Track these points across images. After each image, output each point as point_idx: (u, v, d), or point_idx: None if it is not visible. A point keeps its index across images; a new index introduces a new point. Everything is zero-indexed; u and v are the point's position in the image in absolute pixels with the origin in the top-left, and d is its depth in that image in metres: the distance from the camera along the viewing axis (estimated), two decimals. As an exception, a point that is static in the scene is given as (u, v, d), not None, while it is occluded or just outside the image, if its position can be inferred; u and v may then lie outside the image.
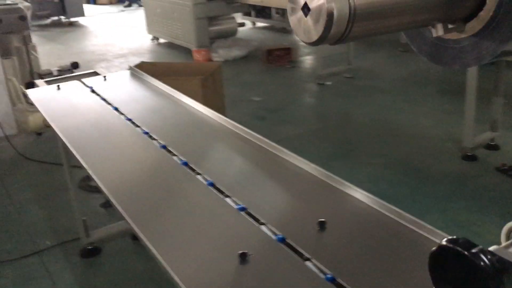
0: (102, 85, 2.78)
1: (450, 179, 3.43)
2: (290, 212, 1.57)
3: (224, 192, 1.61)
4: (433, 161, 3.73)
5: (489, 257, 0.44)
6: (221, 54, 6.79)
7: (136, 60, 5.51)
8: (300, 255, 1.28)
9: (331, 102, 5.28)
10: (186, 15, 6.94)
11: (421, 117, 4.62)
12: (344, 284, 1.17)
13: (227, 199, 1.57)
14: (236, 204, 1.54)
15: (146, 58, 7.07)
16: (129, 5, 12.01)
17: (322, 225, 1.38)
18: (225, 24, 7.28)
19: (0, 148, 4.25)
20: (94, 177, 1.77)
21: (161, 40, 8.01)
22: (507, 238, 0.55)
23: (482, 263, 0.43)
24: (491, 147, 3.79)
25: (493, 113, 3.79)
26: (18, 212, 3.36)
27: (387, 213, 1.42)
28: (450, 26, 0.69)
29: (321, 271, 1.22)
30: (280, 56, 6.55)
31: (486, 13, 0.66)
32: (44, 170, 3.91)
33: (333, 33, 0.61)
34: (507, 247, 0.52)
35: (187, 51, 7.08)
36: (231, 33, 7.38)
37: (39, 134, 4.45)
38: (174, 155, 1.90)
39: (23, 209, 3.39)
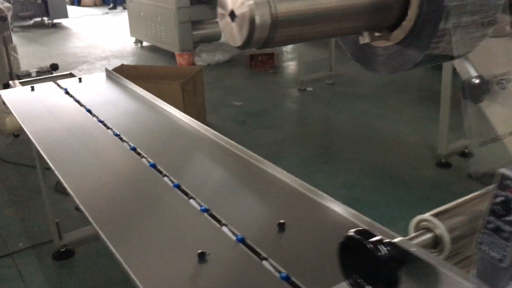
0: (77, 87, 2.78)
1: (423, 186, 3.49)
2: (252, 214, 1.59)
3: (189, 194, 1.63)
4: (408, 168, 3.78)
5: (387, 248, 0.46)
6: (204, 58, 6.81)
7: (118, 63, 5.51)
8: (258, 254, 1.31)
9: (311, 108, 5.32)
10: (170, 19, 6.95)
11: (399, 123, 4.68)
12: (298, 282, 1.19)
13: (191, 201, 1.59)
14: (200, 205, 1.56)
15: (128, 61, 7.06)
16: (114, 8, 11.98)
17: (281, 226, 1.41)
18: (209, 28, 7.29)
19: (-24, 150, 4.22)
20: (61, 179, 1.77)
21: (145, 44, 8.01)
22: (415, 231, 0.58)
23: (379, 253, 0.46)
24: (465, 154, 3.85)
25: (466, 121, 3.85)
26: (-9, 214, 3.34)
27: (348, 217, 1.45)
28: (376, 34, 0.73)
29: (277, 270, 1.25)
30: (263, 62, 6.59)
31: (407, 23, 0.70)
32: (20, 172, 3.89)
33: (256, 39, 0.64)
34: (411, 239, 0.55)
35: (171, 55, 7.09)
36: (215, 38, 7.40)
37: (17, 136, 4.42)
38: (143, 157, 1.92)
39: (-3, 211, 3.37)
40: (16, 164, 3.98)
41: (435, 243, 0.56)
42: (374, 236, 0.48)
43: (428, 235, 0.56)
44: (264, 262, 1.28)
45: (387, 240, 0.49)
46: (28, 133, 2.17)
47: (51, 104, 2.55)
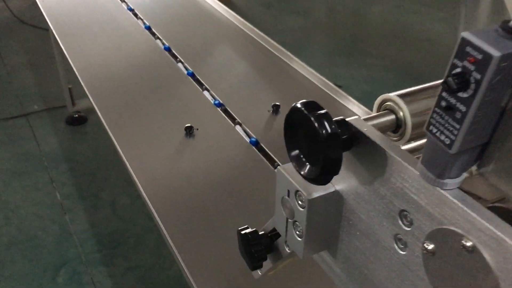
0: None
1: (447, 88, 3.35)
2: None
3: (203, 85, 1.57)
4: (435, 70, 3.61)
5: (332, 124, 0.41)
6: None
7: None
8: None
9: (344, -4, 5.02)
10: None
11: (435, 22, 4.40)
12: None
13: (205, 92, 1.53)
14: (213, 98, 1.50)
15: None
16: None
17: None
18: None
19: (-3, 9, 4.16)
20: (64, 50, 1.73)
21: None
22: (378, 111, 0.52)
23: (322, 129, 0.40)
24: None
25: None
26: (9, 75, 3.37)
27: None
28: None
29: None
30: None
31: None
32: (38, 35, 3.85)
33: None
34: (370, 119, 0.50)
35: None
36: None
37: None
38: (158, 38, 1.84)
39: (14, 72, 3.40)
40: (35, 27, 3.93)
41: (396, 127, 0.50)
42: (321, 109, 0.42)
43: (390, 117, 0.51)
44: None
45: (339, 118, 0.43)
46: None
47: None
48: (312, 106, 0.43)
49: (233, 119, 1.39)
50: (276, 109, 1.41)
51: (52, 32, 2.51)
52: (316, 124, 0.42)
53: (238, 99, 1.48)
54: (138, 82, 1.60)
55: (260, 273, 0.78)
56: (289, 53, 1.72)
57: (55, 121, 2.91)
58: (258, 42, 1.80)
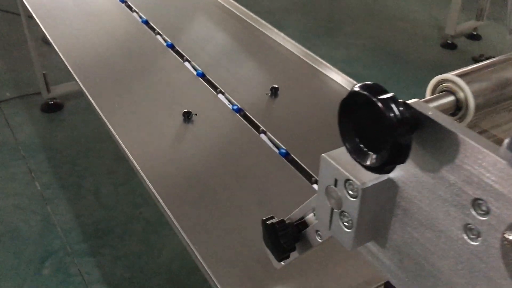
0: None
1: (425, 66, 3.37)
2: (248, 81, 1.50)
3: (184, 56, 1.52)
4: (412, 46, 3.63)
5: (400, 108, 0.38)
6: None
7: None
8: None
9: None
10: None
11: (411, 0, 4.41)
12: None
13: (186, 63, 1.49)
14: (195, 69, 1.46)
15: None
16: None
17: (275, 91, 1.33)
18: None
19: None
20: (44, 30, 1.64)
21: None
22: (432, 93, 0.50)
23: (388, 111, 0.37)
24: (473, 36, 3.68)
25: (481, 1, 3.62)
26: (-22, 61, 3.22)
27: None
28: None
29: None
30: None
31: None
32: (8, 20, 3.68)
33: None
34: (428, 101, 0.47)
35: None
36: None
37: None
38: (135, 11, 1.77)
39: (-18, 57, 3.25)
40: (5, 11, 3.75)
41: (456, 109, 0.48)
42: (386, 92, 0.38)
43: (449, 98, 0.48)
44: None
45: (401, 100, 0.40)
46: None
47: None
48: (376, 89, 0.40)
49: (215, 87, 1.36)
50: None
51: (25, 17, 2.40)
52: (383, 109, 0.38)
53: (220, 69, 1.45)
54: (118, 56, 1.56)
55: (283, 263, 0.75)
56: (265, 22, 1.70)
57: (29, 108, 2.80)
58: (236, 14, 1.76)
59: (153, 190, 1.02)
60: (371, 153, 0.41)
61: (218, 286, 0.85)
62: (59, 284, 1.90)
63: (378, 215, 0.50)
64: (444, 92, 0.49)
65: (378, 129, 0.40)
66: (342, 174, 0.48)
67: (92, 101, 1.30)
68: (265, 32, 1.66)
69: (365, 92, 0.40)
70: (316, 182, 1.07)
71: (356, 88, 0.41)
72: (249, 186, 1.04)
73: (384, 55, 3.49)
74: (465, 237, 0.42)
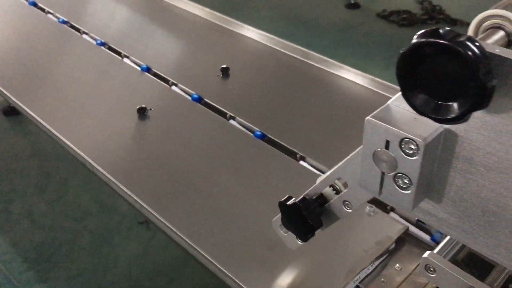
0: None
1: (336, 28, 3.44)
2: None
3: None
4: (319, 12, 3.69)
5: (477, 44, 0.34)
6: None
7: None
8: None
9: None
10: None
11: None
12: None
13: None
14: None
15: None
16: None
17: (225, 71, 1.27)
18: None
19: None
20: None
21: None
22: (476, 34, 0.47)
23: (468, 50, 0.34)
24: (373, -6, 3.81)
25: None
26: None
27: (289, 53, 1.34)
28: None
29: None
30: None
31: None
32: None
33: None
34: (483, 39, 0.44)
35: None
36: None
37: None
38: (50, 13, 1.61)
39: None
40: None
41: (508, 43, 0.46)
42: (457, 34, 0.35)
43: (500, 34, 0.45)
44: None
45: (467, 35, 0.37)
46: None
47: None
48: (438, 33, 0.37)
49: (166, 80, 1.28)
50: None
51: None
52: (461, 49, 0.35)
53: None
54: (47, 64, 1.42)
55: (300, 242, 0.71)
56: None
57: None
58: None
59: (129, 191, 0.93)
60: (450, 103, 0.38)
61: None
62: (13, 321, 1.73)
63: (434, 170, 0.47)
64: (491, 30, 0.47)
65: (454, 76, 0.37)
66: (396, 134, 0.45)
67: (30, 111, 1.16)
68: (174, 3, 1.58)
69: (434, 40, 0.36)
70: (302, 158, 1.04)
71: (424, 39, 0.37)
72: (229, 171, 0.98)
73: (296, 24, 3.51)
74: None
